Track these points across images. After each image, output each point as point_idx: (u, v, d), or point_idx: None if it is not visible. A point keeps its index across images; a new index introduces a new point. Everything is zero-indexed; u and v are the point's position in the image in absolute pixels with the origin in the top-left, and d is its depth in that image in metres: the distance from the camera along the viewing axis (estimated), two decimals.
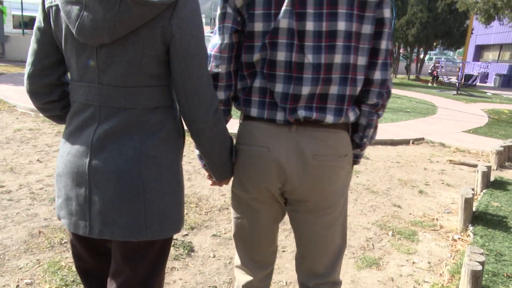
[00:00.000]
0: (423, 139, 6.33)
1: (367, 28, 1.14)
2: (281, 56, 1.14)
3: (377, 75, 1.19)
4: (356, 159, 1.35)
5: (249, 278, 1.41)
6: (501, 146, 5.15)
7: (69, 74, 1.17)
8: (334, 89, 1.16)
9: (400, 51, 22.87)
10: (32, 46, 1.14)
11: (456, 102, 12.28)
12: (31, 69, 1.15)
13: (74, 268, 2.09)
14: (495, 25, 16.23)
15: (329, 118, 1.16)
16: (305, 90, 1.15)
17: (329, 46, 1.12)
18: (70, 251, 1.33)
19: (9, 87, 8.00)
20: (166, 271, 2.25)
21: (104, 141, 1.08)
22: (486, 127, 7.83)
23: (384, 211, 3.40)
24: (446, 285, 2.30)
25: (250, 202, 1.30)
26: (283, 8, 1.11)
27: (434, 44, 20.96)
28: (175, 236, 2.61)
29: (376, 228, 3.05)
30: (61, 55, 1.14)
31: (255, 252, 1.40)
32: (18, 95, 6.99)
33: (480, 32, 23.64)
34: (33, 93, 1.18)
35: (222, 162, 1.23)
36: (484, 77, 22.98)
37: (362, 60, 1.16)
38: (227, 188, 3.59)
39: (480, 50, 26.27)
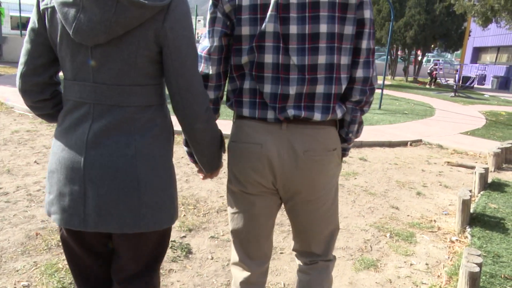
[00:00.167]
0: (421, 141, 6.34)
1: (348, 29, 1.20)
2: (268, 58, 1.21)
3: (360, 73, 1.26)
4: (344, 152, 1.43)
5: (246, 274, 1.43)
6: (499, 148, 5.16)
7: (61, 74, 1.20)
8: (320, 88, 1.22)
9: (398, 53, 22.92)
10: (26, 46, 1.17)
11: (454, 104, 12.32)
12: (24, 68, 1.18)
13: None
14: (493, 28, 16.31)
15: (317, 116, 1.23)
16: (292, 90, 1.21)
17: (312, 48, 1.19)
18: (63, 249, 1.32)
19: (6, 88, 7.99)
20: (163, 273, 2.25)
21: (99, 138, 1.11)
22: (483, 129, 7.86)
23: (382, 213, 3.40)
24: (444, 287, 2.30)
25: (245, 196, 1.35)
26: (268, 13, 1.17)
27: (432, 46, 21.03)
28: (172, 238, 2.61)
29: (374, 230, 3.05)
30: (53, 55, 1.17)
31: (253, 247, 1.43)
32: (16, 97, 6.97)
33: (478, 34, 23.74)
34: (25, 92, 1.21)
35: (212, 155, 1.30)
36: (482, 79, 23.07)
37: (345, 60, 1.23)
38: (225, 190, 3.59)
39: (478, 52, 26.37)
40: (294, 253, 1.53)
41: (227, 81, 1.35)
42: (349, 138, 1.37)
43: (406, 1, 19.49)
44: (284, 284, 2.26)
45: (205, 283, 2.21)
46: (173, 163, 1.26)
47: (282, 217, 3.03)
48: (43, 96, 1.21)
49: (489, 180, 4.23)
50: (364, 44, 1.23)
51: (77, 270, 1.32)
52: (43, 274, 2.14)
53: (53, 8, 1.09)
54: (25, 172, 3.65)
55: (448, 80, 16.94)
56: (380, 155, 5.40)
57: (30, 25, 1.15)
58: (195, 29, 18.77)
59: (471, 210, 3.24)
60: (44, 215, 2.82)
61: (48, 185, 1.20)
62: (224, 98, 1.42)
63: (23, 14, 15.27)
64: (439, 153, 5.80)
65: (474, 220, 3.13)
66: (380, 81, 9.84)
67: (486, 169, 4.06)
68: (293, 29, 1.18)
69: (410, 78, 22.06)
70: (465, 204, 3.00)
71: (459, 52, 25.57)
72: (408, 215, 3.40)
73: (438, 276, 2.45)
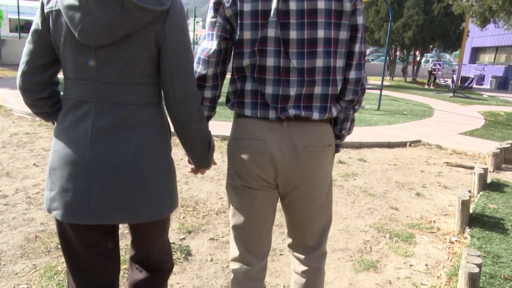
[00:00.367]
0: (420, 141, 6.35)
1: (343, 34, 1.29)
2: (270, 61, 1.28)
3: (352, 74, 1.36)
4: (337, 148, 1.53)
5: (247, 269, 1.47)
6: (498, 148, 5.17)
7: (62, 73, 1.24)
8: (318, 90, 1.31)
9: (397, 53, 22.96)
10: (28, 46, 1.22)
11: (453, 104, 12.33)
12: (25, 68, 1.22)
13: None
14: (491, 28, 16.35)
15: (316, 115, 1.32)
16: (293, 91, 1.29)
17: (311, 52, 1.27)
18: (61, 249, 1.35)
19: (5, 91, 7.98)
20: None
21: (102, 135, 1.17)
22: (482, 129, 7.87)
23: (382, 214, 3.40)
24: None
25: (248, 190, 1.41)
26: (270, 19, 1.24)
27: (431, 46, 21.06)
28: (172, 240, 2.61)
29: (373, 231, 3.05)
30: (54, 56, 1.22)
31: (253, 242, 1.47)
32: (15, 99, 6.97)
33: (476, 35, 23.79)
34: (25, 90, 1.25)
35: (203, 154, 1.38)
36: (480, 79, 23.10)
37: (340, 63, 1.32)
38: (224, 192, 3.59)
39: (476, 52, 26.42)
40: (289, 249, 1.59)
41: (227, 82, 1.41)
42: (342, 135, 1.48)
43: (404, 2, 19.54)
44: (283, 286, 2.26)
45: (205, 285, 2.21)
46: (172, 158, 1.34)
47: (281, 219, 3.03)
48: (42, 94, 1.26)
49: (488, 181, 4.23)
50: (356, 48, 1.33)
51: (74, 265, 1.34)
52: (42, 277, 2.14)
53: (57, 11, 1.14)
54: (24, 175, 3.64)
55: (446, 81, 16.96)
56: (379, 156, 5.41)
57: (33, 27, 1.20)
58: (194, 30, 18.79)
59: (471, 211, 3.24)
60: (44, 217, 2.82)
61: (50, 182, 1.23)
62: (223, 99, 1.44)
63: (21, 17, 15.29)
64: (438, 153, 5.81)
65: (474, 220, 3.13)
66: (378, 82, 9.86)
67: (485, 170, 4.06)
68: (293, 34, 1.25)
69: (409, 79, 22.09)
70: (465, 204, 3.00)
71: (457, 52, 25.61)
72: (407, 216, 3.40)
73: (438, 277, 2.45)
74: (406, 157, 5.47)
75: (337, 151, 1.53)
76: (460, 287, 2.07)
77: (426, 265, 2.59)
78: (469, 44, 24.89)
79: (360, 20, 1.31)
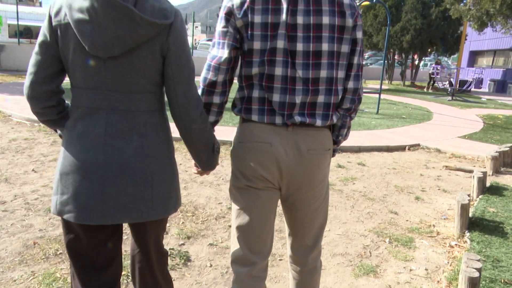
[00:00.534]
0: (419, 145, 6.36)
1: (345, 48, 1.40)
2: (278, 71, 1.37)
3: (350, 84, 1.47)
4: (333, 152, 1.62)
5: (249, 268, 1.51)
6: (497, 152, 5.17)
7: (70, 83, 1.31)
8: (321, 98, 1.41)
9: (395, 57, 23.01)
10: (36, 57, 1.27)
11: (451, 107, 12.36)
12: (33, 78, 1.28)
13: (69, 279, 2.07)
14: (489, 31, 16.39)
15: (319, 122, 1.42)
16: (298, 99, 1.38)
17: (315, 64, 1.37)
18: (67, 251, 1.41)
19: (4, 96, 7.98)
20: None
21: (115, 140, 1.26)
22: (481, 132, 7.87)
23: (381, 218, 3.40)
24: None
25: (252, 190, 1.47)
26: (279, 31, 1.33)
27: (429, 50, 21.12)
28: (171, 246, 2.60)
29: (373, 235, 3.04)
30: (61, 66, 1.29)
31: (256, 241, 1.51)
32: (13, 105, 6.97)
33: (474, 38, 23.87)
34: (34, 99, 1.31)
35: (208, 156, 1.47)
36: (479, 82, 23.14)
37: (341, 74, 1.43)
38: (223, 197, 3.58)
39: (474, 56, 26.49)
40: (289, 252, 1.67)
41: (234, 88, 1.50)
42: (338, 140, 1.58)
43: (402, 6, 19.61)
44: None
45: None
46: (175, 159, 1.45)
47: (281, 223, 3.03)
48: (50, 103, 1.32)
49: (488, 184, 4.23)
50: (355, 60, 1.44)
51: (80, 265, 1.41)
52: (41, 284, 2.13)
53: (66, 24, 1.20)
54: (23, 181, 3.64)
55: (445, 84, 16.98)
56: (378, 160, 5.41)
57: (41, 38, 1.26)
58: (193, 35, 18.84)
59: (470, 215, 3.24)
60: (42, 224, 2.81)
61: (61, 187, 1.30)
62: (229, 105, 1.53)
63: (21, 23, 15.33)
64: (437, 157, 5.81)
65: (473, 224, 3.13)
66: (377, 86, 9.88)
67: (484, 173, 4.06)
68: (300, 46, 1.35)
69: (407, 82, 22.13)
70: (464, 208, 3.00)
71: (455, 56, 25.69)
72: (407, 220, 3.40)
73: (438, 281, 2.44)
74: (405, 161, 5.48)
75: (333, 155, 1.62)
76: None
77: (426, 269, 2.58)
78: (467, 48, 24.96)
79: (359, 35, 1.41)
